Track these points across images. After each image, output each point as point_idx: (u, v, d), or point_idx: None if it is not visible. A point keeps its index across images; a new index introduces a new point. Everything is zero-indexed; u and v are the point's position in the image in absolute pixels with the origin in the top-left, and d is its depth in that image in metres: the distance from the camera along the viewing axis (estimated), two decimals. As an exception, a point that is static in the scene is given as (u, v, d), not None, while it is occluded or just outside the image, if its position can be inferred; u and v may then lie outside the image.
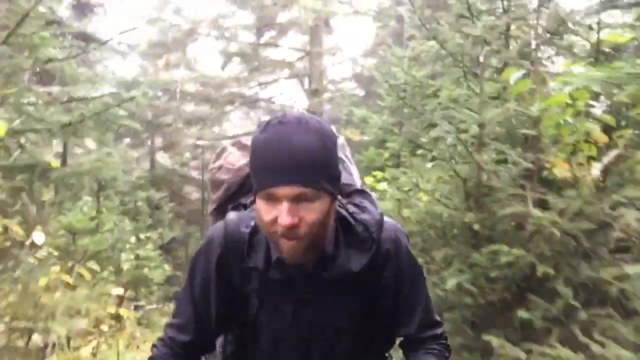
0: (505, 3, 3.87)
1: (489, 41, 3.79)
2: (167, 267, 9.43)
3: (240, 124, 17.64)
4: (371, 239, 1.23)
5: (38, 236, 4.27)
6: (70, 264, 5.29)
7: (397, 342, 1.41)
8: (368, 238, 1.23)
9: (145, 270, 8.27)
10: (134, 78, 12.79)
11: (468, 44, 3.92)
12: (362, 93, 16.29)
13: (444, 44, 4.12)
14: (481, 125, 3.04)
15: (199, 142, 15.65)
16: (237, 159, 1.49)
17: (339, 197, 1.25)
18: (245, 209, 1.32)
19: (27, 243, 4.18)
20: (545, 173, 2.92)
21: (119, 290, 5.94)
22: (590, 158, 2.73)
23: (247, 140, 1.38)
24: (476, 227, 2.76)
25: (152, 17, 14.93)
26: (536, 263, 2.51)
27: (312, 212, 1.09)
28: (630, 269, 2.34)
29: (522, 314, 2.50)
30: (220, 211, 1.45)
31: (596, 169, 2.63)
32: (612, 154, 2.64)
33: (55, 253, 5.16)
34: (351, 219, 1.24)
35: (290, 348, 1.29)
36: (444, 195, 3.21)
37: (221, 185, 1.48)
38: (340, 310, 1.26)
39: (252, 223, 1.23)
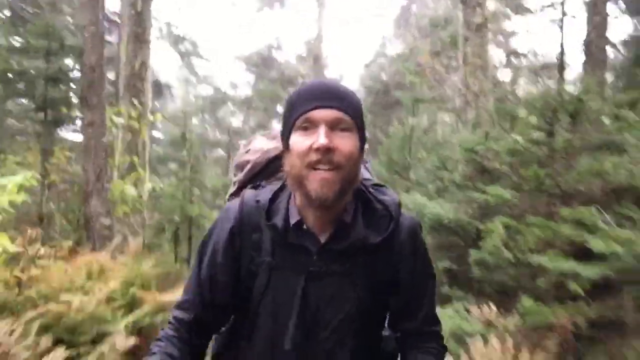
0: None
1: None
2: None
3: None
4: (390, 218, 1.22)
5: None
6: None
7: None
8: (387, 216, 1.22)
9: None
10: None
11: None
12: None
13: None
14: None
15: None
16: (265, 144, 1.45)
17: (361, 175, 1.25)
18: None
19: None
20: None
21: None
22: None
23: (277, 132, 1.36)
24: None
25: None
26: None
27: (346, 142, 1.12)
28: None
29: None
30: (239, 193, 1.35)
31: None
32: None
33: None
34: (371, 197, 1.25)
35: (292, 337, 1.20)
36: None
37: (245, 165, 1.46)
38: (349, 295, 1.21)
39: (270, 195, 1.24)
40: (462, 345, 3.05)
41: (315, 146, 1.09)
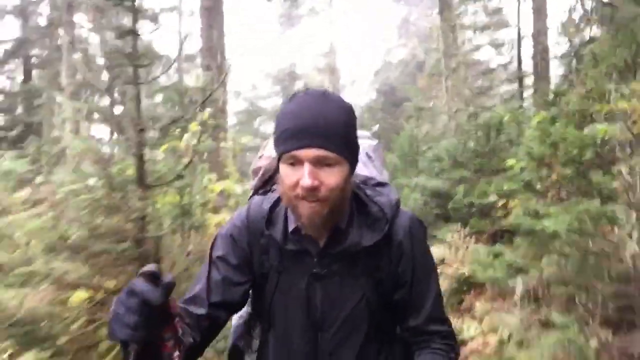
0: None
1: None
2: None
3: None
4: (385, 219, 1.26)
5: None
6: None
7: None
8: (382, 218, 1.26)
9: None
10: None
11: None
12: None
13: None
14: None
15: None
16: None
17: (358, 181, 1.33)
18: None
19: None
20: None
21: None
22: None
23: None
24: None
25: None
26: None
27: (332, 176, 1.15)
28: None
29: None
30: None
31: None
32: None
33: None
34: (367, 200, 1.29)
35: (302, 334, 1.29)
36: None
37: (258, 171, 1.52)
38: (352, 294, 1.27)
39: (271, 203, 1.31)
40: (445, 242, 6.91)
41: (301, 184, 1.14)
